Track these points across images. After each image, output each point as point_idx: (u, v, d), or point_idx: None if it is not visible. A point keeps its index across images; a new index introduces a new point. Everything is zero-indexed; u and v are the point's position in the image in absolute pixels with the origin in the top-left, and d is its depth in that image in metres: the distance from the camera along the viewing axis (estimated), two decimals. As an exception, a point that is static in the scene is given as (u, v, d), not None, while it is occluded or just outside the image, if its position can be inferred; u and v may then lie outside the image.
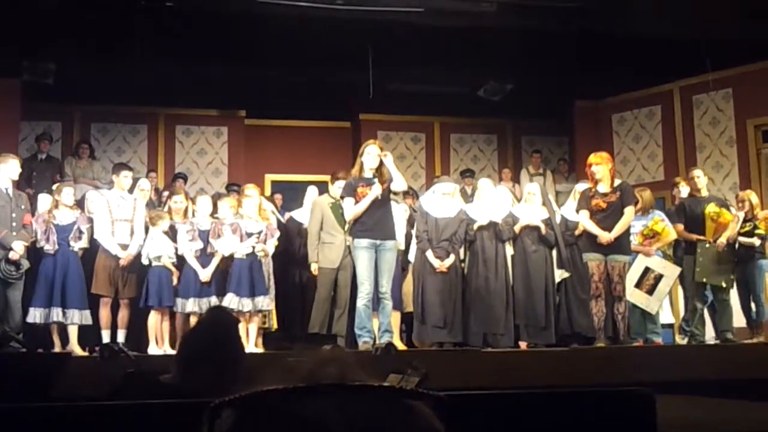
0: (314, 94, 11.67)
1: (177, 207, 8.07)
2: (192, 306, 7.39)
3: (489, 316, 7.76)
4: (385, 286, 6.88)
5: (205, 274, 7.51)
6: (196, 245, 7.59)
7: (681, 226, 8.14)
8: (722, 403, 4.88)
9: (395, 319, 7.82)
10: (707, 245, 7.93)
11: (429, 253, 7.71)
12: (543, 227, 8.04)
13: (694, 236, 8.03)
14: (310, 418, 0.82)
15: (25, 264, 7.44)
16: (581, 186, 8.22)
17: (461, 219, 7.86)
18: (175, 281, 7.55)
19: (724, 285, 7.96)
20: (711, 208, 8.02)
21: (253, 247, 7.56)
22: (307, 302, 8.12)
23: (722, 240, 7.90)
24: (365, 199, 6.80)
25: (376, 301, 6.97)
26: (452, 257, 7.71)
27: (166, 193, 9.53)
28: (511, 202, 8.50)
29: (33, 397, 3.32)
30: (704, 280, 8.00)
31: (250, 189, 8.50)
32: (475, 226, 7.91)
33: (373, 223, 6.84)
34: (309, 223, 8.09)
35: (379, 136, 12.16)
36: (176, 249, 7.65)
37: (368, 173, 6.90)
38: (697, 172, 8.42)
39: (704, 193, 8.33)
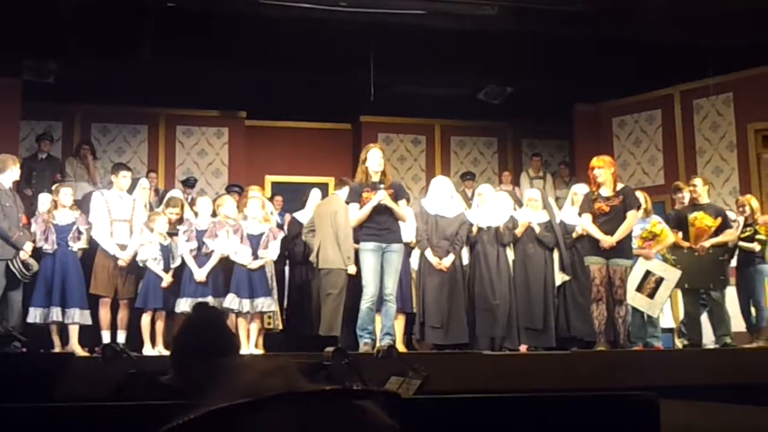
0: (315, 95, 11.66)
1: (172, 218, 8.02)
2: (184, 306, 7.30)
3: (492, 319, 7.76)
4: (390, 288, 6.86)
5: (199, 274, 7.48)
6: (192, 245, 7.57)
7: (675, 234, 8.13)
8: (723, 407, 4.87)
9: (400, 321, 7.79)
10: (684, 251, 7.95)
11: (428, 252, 7.71)
12: (538, 228, 8.05)
13: (686, 243, 8.03)
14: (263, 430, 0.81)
15: (34, 265, 7.42)
16: (578, 188, 8.22)
17: (462, 220, 7.86)
18: (164, 284, 7.50)
19: (712, 287, 7.93)
20: (693, 215, 8.02)
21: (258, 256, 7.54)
22: (312, 303, 8.07)
23: (704, 244, 7.90)
24: (368, 205, 6.79)
25: (380, 302, 6.96)
26: (452, 256, 7.71)
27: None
28: (511, 206, 8.47)
29: (36, 397, 3.31)
30: (686, 285, 7.98)
31: (254, 191, 8.48)
32: (475, 229, 7.91)
33: (380, 227, 6.82)
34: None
35: (379, 138, 12.16)
36: (174, 251, 7.64)
37: (374, 177, 6.88)
38: (696, 181, 8.37)
39: (703, 200, 8.27)
